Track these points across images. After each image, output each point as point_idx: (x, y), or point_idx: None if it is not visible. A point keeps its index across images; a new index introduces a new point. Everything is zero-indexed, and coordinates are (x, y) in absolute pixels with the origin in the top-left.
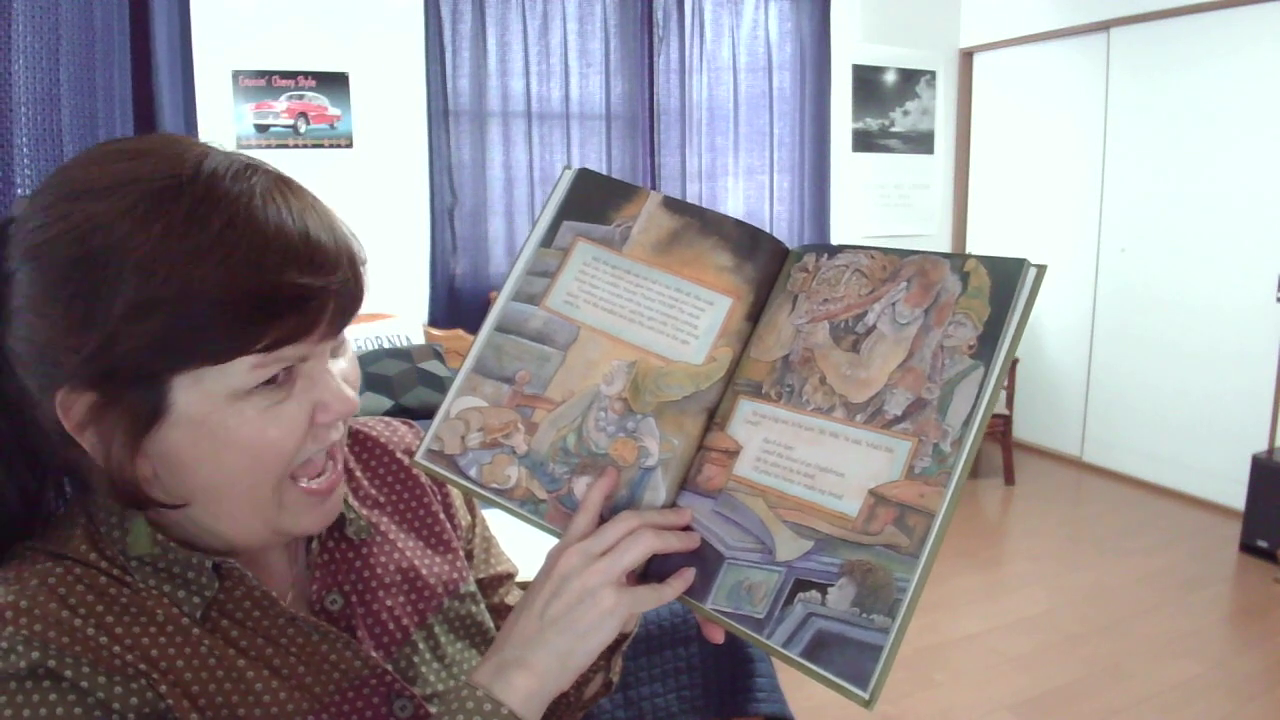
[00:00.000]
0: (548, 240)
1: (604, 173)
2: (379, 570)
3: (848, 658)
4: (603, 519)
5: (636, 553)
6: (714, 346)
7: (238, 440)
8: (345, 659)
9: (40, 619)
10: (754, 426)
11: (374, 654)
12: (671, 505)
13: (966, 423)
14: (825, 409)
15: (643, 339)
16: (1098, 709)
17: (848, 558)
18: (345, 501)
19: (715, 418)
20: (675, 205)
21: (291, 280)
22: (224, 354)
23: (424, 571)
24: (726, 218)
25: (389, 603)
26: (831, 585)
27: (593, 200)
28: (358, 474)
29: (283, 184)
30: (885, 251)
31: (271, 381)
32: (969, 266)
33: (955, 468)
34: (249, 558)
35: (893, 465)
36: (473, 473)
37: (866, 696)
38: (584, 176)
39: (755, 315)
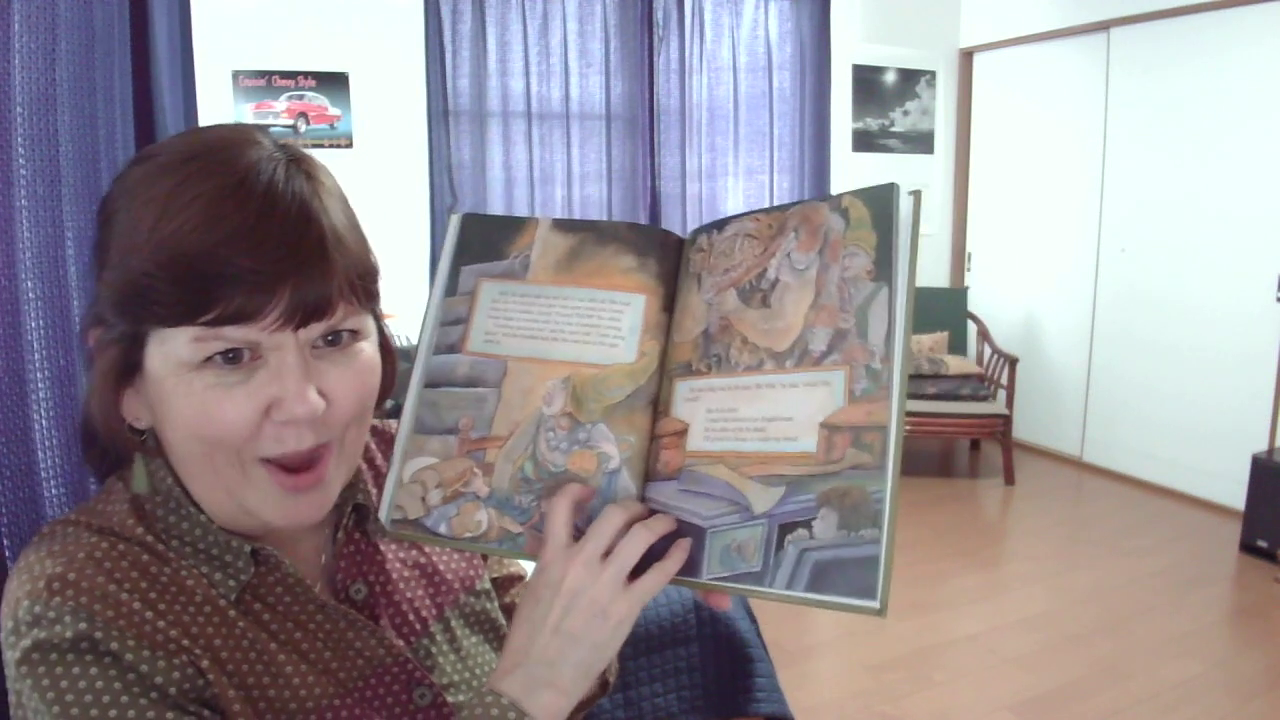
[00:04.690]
0: (451, 289)
1: (491, 213)
2: (398, 564)
3: (849, 577)
4: (580, 530)
5: (634, 551)
6: (641, 342)
7: (181, 409)
8: (369, 645)
9: (87, 591)
10: (694, 402)
11: (397, 642)
12: (641, 499)
13: (888, 338)
14: (755, 365)
15: (571, 353)
16: (1098, 709)
17: (821, 490)
18: (368, 494)
19: (659, 406)
20: (566, 224)
21: (236, 260)
22: (168, 319)
23: (441, 568)
24: (619, 224)
25: (409, 595)
26: (814, 519)
27: (484, 240)
28: (383, 470)
29: (301, 170)
30: (768, 211)
31: (233, 362)
32: (845, 203)
33: (891, 381)
34: (283, 544)
35: (834, 396)
36: (442, 529)
37: (878, 606)
38: (470, 220)
39: (670, 305)
